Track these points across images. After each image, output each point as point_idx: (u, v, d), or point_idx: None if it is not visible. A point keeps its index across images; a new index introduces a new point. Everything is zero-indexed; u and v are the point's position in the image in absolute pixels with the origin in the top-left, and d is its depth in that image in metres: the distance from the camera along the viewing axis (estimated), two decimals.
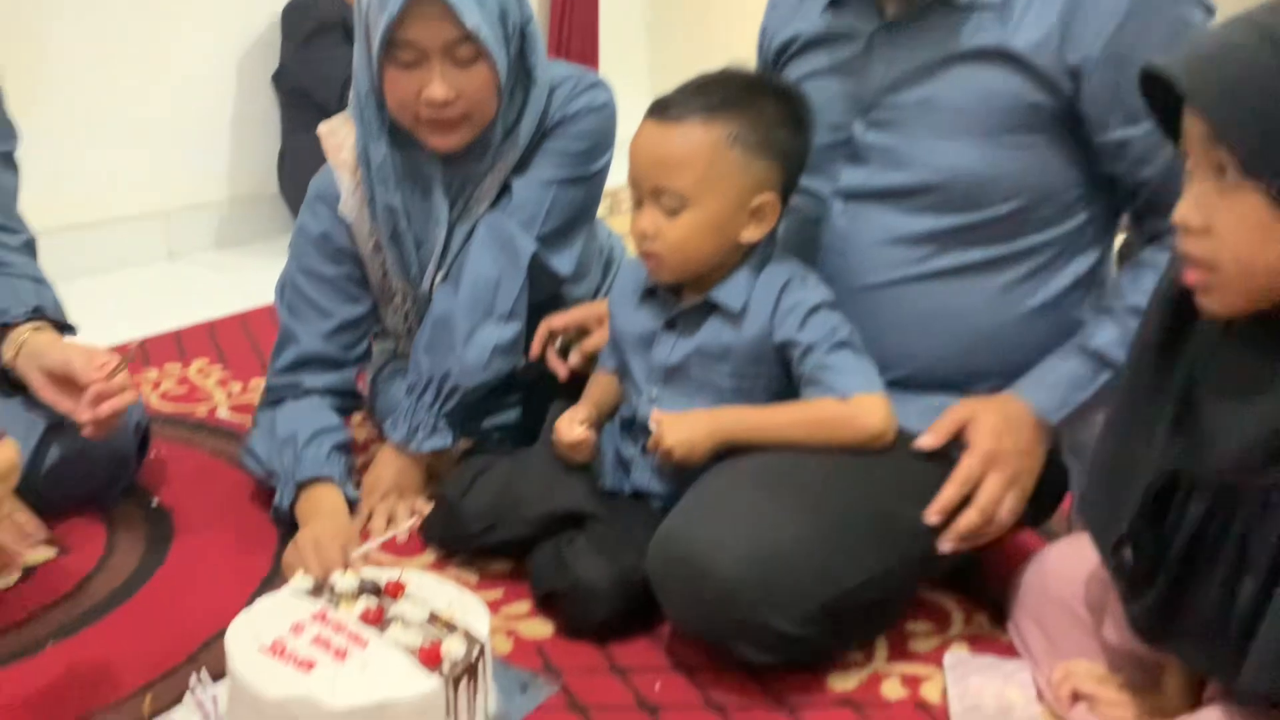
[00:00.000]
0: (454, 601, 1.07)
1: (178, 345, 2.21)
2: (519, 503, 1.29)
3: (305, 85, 2.86)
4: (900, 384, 1.22)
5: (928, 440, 1.16)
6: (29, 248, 1.52)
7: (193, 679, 1.03)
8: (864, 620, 1.16)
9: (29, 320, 1.38)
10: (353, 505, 1.41)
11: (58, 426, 1.39)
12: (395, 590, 1.07)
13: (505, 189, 1.47)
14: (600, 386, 1.39)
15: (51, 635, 1.20)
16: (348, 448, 1.46)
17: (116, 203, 2.80)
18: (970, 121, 1.18)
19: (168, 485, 1.55)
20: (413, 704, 0.96)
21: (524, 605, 1.28)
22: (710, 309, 1.25)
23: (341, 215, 1.47)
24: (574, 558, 1.20)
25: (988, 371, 1.23)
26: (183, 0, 2.87)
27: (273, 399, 1.48)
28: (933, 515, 1.13)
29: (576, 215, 1.50)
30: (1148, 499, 0.96)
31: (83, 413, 1.29)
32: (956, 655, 1.18)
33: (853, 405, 1.17)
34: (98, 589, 1.30)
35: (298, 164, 2.80)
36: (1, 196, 1.50)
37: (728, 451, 1.20)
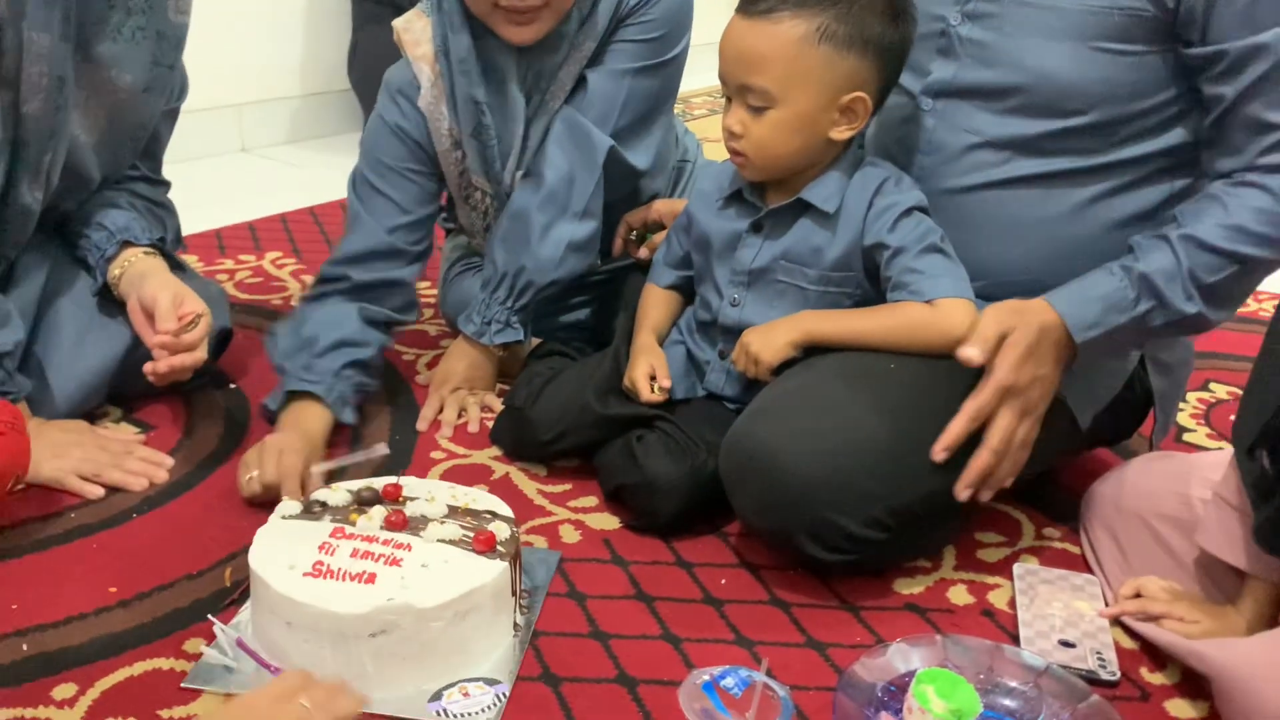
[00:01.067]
0: (457, 491, 1.11)
1: (253, 236, 2.23)
2: (588, 410, 1.29)
3: None
4: (985, 294, 1.19)
5: (973, 354, 1.09)
6: (165, 188, 1.58)
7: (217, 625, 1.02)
8: (933, 526, 1.15)
9: (142, 246, 1.41)
10: (346, 428, 1.40)
11: None
12: (395, 493, 1.09)
13: (581, 81, 1.44)
14: (658, 306, 1.38)
15: (134, 508, 1.25)
16: (366, 366, 1.42)
17: (190, 95, 2.81)
18: (1065, 23, 1.13)
19: (245, 370, 1.58)
20: (490, 588, 0.99)
21: (592, 499, 1.29)
22: (800, 210, 1.23)
23: (421, 109, 1.45)
24: (644, 454, 1.21)
25: (1058, 281, 1.18)
26: None
27: (318, 293, 1.46)
28: (939, 452, 1.08)
29: (653, 105, 1.47)
30: (1269, 409, 0.94)
31: (152, 354, 1.30)
32: (1026, 566, 1.17)
33: (937, 309, 1.15)
34: (179, 466, 1.33)
35: (368, 59, 2.78)
36: (155, 146, 1.54)
37: (809, 352, 1.19)
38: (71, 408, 1.37)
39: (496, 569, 1.00)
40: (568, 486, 1.32)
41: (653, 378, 1.28)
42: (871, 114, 1.21)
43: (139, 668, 0.99)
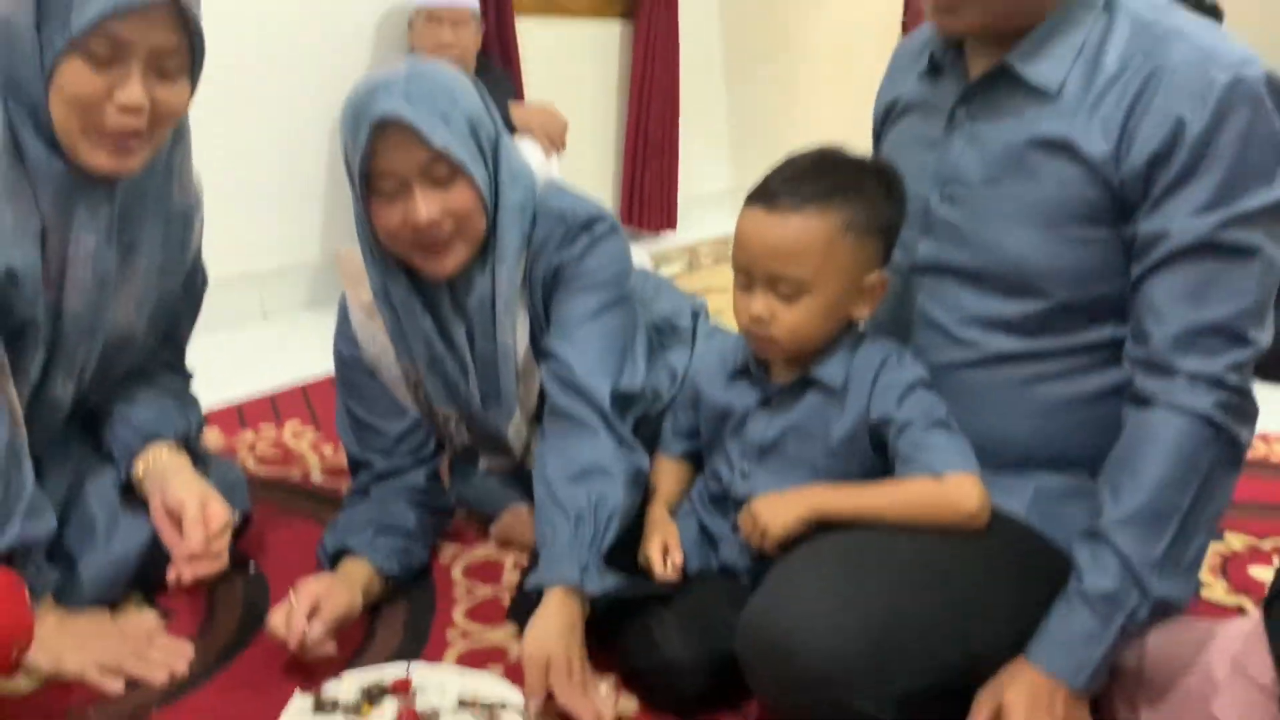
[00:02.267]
0: (465, 680, 1.12)
1: (273, 407, 2.28)
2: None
3: None
4: (985, 463, 1.21)
5: None
6: (189, 379, 1.62)
7: None
8: (954, 704, 1.14)
9: (167, 441, 1.43)
10: (388, 579, 1.43)
11: None
12: (405, 687, 1.09)
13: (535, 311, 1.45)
14: (670, 476, 1.41)
15: (154, 702, 1.25)
16: (405, 533, 1.46)
17: (213, 265, 2.90)
18: (1029, 209, 1.16)
19: (264, 551, 1.60)
20: None
21: (608, 679, 1.29)
22: (806, 386, 1.26)
23: (361, 353, 1.50)
24: (662, 635, 1.21)
25: (1068, 452, 1.21)
26: (278, 68, 2.99)
27: (355, 492, 1.53)
28: None
29: (626, 337, 1.45)
30: None
31: (176, 563, 1.31)
32: None
33: (947, 484, 1.17)
34: (198, 655, 1.34)
35: None
36: (177, 334, 1.58)
37: (819, 527, 1.20)
38: (98, 597, 1.39)
39: None
40: None
41: (666, 553, 1.29)
42: (885, 290, 1.25)
43: None
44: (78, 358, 1.36)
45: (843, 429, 1.24)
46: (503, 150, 1.40)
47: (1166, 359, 1.10)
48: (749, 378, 1.31)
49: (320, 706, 1.07)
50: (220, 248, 2.91)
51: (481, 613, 1.45)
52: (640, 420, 1.48)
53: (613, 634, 1.29)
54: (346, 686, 1.09)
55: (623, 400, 1.43)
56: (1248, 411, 1.12)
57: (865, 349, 1.26)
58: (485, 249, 1.40)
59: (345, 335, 1.52)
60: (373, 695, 1.08)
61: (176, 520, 1.33)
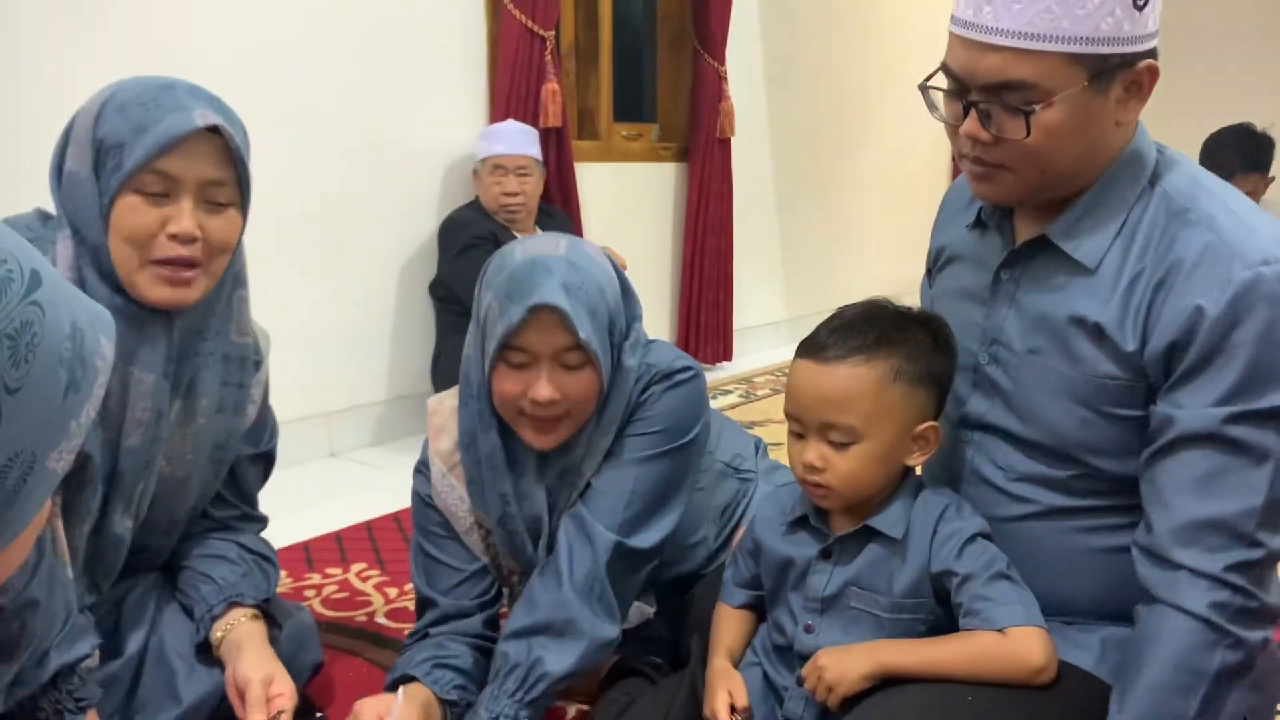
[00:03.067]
0: None
1: (338, 547, 2.33)
2: None
3: (458, 293, 3.06)
4: (1050, 616, 1.21)
5: None
6: (262, 525, 1.65)
7: None
8: None
9: (248, 607, 1.46)
10: (450, 705, 1.42)
11: None
12: None
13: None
14: (731, 627, 1.41)
15: None
16: (462, 670, 1.46)
17: (283, 405, 2.99)
18: (1068, 385, 1.19)
19: (331, 695, 1.62)
20: None
21: None
22: (868, 536, 1.27)
23: (437, 501, 1.53)
24: None
25: (1133, 601, 1.19)
26: (351, 220, 3.14)
27: (413, 635, 1.54)
28: None
29: (664, 490, 1.47)
30: None
31: None
32: None
33: (1011, 639, 1.17)
34: None
35: (450, 365, 2.97)
36: (245, 486, 1.60)
37: (885, 682, 1.20)
38: None
39: None
40: None
41: (733, 707, 1.29)
42: (940, 439, 1.27)
43: None
44: (135, 494, 1.39)
45: (905, 580, 1.25)
46: (628, 340, 1.46)
47: (1166, 551, 1.10)
48: (808, 528, 1.33)
49: None
50: (290, 389, 3.04)
51: None
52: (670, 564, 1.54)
53: None
54: None
55: (627, 555, 1.45)
56: (1259, 614, 1.08)
57: (925, 499, 1.27)
58: (587, 423, 1.46)
59: (423, 476, 1.56)
60: None
61: (243, 694, 1.35)
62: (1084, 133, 1.12)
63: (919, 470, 1.33)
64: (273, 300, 3.02)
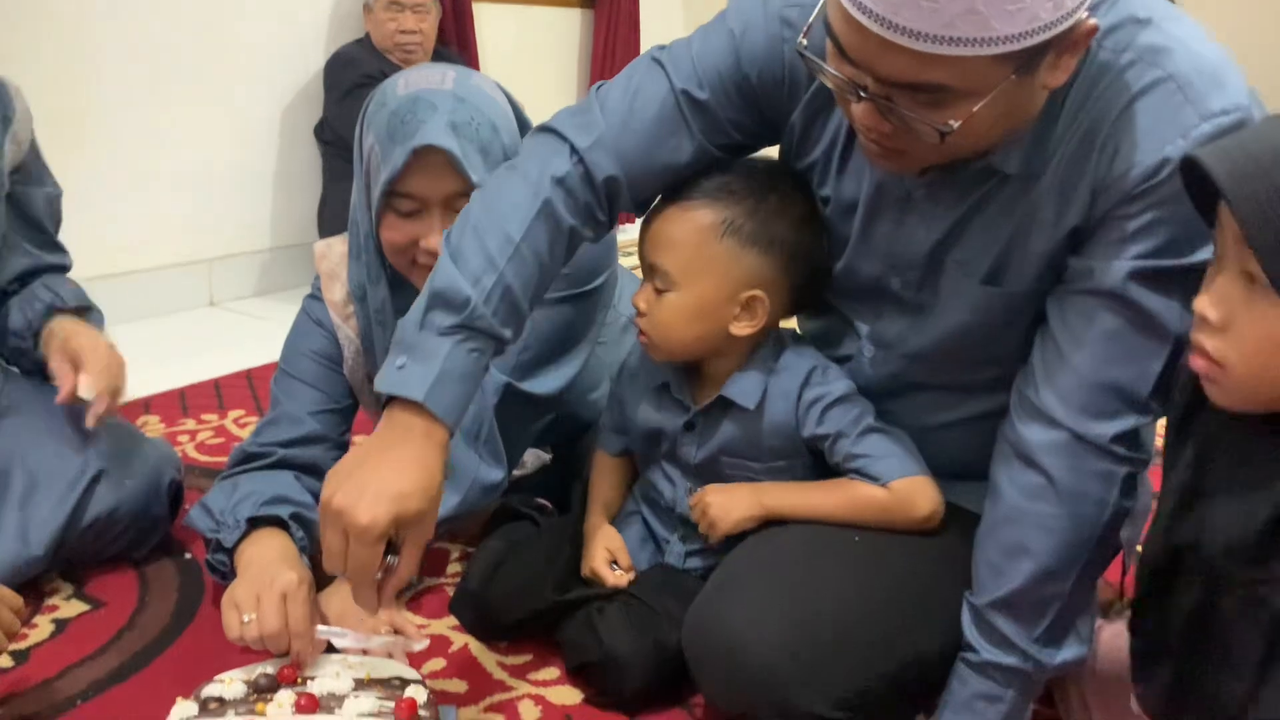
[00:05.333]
0: (357, 662, 1.09)
1: (216, 395, 2.23)
2: (546, 588, 1.26)
3: (346, 136, 2.90)
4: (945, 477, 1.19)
5: None
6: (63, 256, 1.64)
7: None
8: (902, 703, 1.13)
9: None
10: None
11: (100, 477, 1.41)
12: (291, 676, 1.06)
13: None
14: (608, 480, 1.37)
15: (81, 694, 1.21)
16: (310, 524, 1.31)
17: (160, 251, 2.84)
18: (989, 270, 1.08)
19: (200, 539, 1.55)
20: None
21: (553, 671, 1.26)
22: (726, 406, 1.22)
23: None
24: (606, 629, 1.19)
25: None
26: (229, 53, 2.93)
27: (241, 470, 1.38)
28: None
29: (565, 338, 1.42)
30: (1145, 576, 0.95)
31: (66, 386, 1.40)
32: None
33: (895, 494, 1.15)
34: (130, 644, 1.30)
35: (337, 213, 2.83)
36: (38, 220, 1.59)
37: (769, 522, 1.19)
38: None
39: None
40: (528, 658, 1.29)
41: (614, 562, 1.27)
42: (772, 316, 1.20)
43: None
44: None
45: (769, 444, 1.22)
46: None
47: (1053, 411, 1.03)
48: (671, 398, 1.27)
49: (206, 709, 1.02)
50: (168, 233, 2.88)
51: (426, 602, 1.42)
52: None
53: (557, 629, 1.27)
54: (229, 686, 1.05)
55: (521, 400, 1.39)
56: (1137, 478, 1.06)
57: (785, 363, 1.21)
58: None
59: (318, 302, 1.45)
60: (261, 688, 1.04)
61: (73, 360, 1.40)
62: (1008, 117, 0.97)
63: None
64: (145, 136, 2.84)
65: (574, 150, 1.13)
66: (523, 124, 1.36)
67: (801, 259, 1.18)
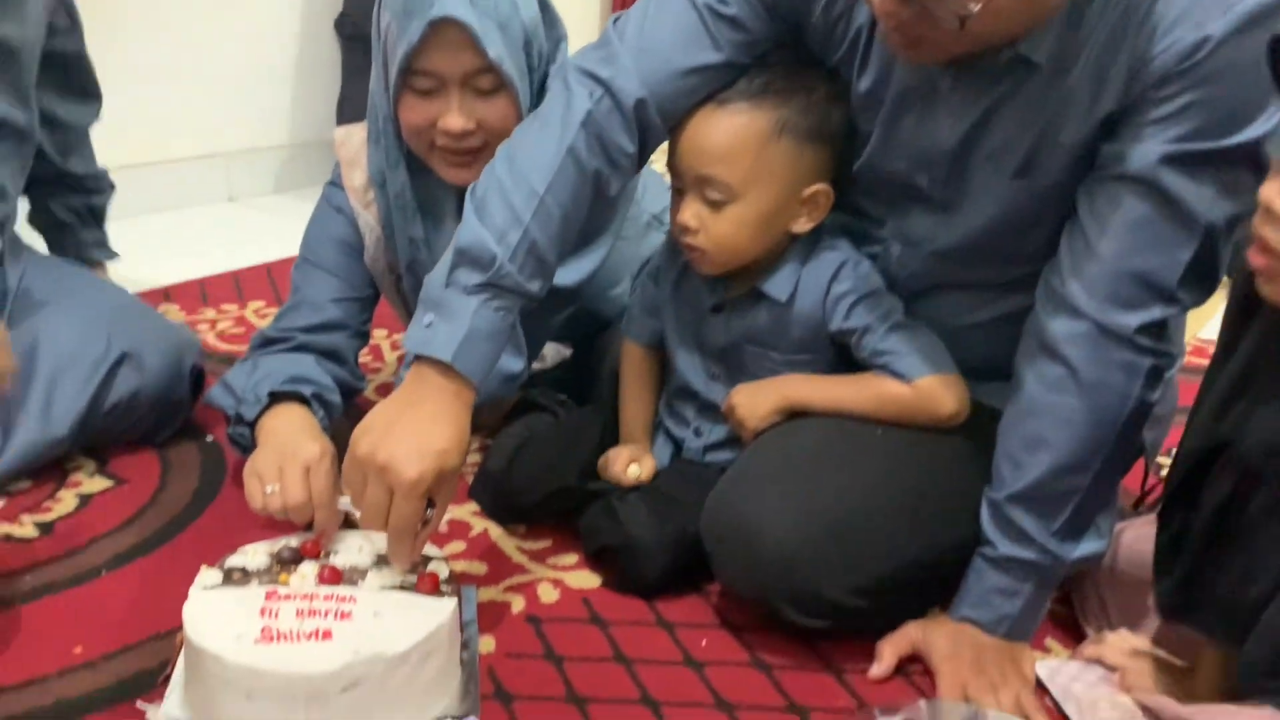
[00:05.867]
0: (375, 539, 1.08)
1: (236, 286, 2.22)
2: (567, 474, 1.27)
3: (366, 30, 2.84)
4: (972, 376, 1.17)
5: (877, 670, 1.08)
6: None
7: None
8: (919, 593, 1.14)
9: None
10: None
11: (123, 360, 1.41)
12: (314, 550, 1.07)
13: None
14: (641, 385, 1.34)
15: (105, 564, 1.22)
16: (330, 406, 1.34)
17: (179, 144, 2.82)
18: (1019, 163, 1.06)
19: (220, 423, 1.55)
20: (448, 624, 0.98)
21: (572, 556, 1.27)
22: (758, 296, 1.21)
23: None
24: (627, 514, 1.19)
25: None
26: None
27: (260, 345, 1.40)
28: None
29: (587, 228, 1.34)
30: (1179, 468, 0.94)
31: None
32: (1047, 665, 1.09)
33: (919, 391, 1.14)
34: (153, 520, 1.31)
35: (357, 110, 2.78)
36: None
37: (796, 415, 1.18)
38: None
39: (449, 607, 1.00)
40: (548, 543, 1.30)
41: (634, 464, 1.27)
42: (833, 204, 1.17)
43: None
44: None
45: (795, 336, 1.20)
46: (553, 67, 1.33)
47: (1078, 301, 1.01)
48: (702, 281, 1.25)
49: (230, 579, 1.03)
50: (186, 127, 2.85)
51: None
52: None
53: (576, 515, 1.27)
54: (252, 557, 1.06)
55: (550, 291, 1.33)
56: (1162, 372, 1.04)
57: (818, 256, 1.19)
58: None
59: (338, 189, 1.43)
60: (284, 560, 1.05)
61: None
62: (1033, 1, 0.92)
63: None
64: (166, 28, 2.79)
65: (598, 81, 1.11)
66: (544, 4, 1.32)
67: (847, 138, 1.16)
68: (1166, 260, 0.98)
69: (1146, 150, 0.96)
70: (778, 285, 1.19)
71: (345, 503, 1.13)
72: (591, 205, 1.14)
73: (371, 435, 1.00)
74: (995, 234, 1.09)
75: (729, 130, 1.12)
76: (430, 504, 1.04)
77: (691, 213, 1.15)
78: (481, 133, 1.28)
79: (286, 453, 1.17)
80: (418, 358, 1.05)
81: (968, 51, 0.99)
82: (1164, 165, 0.96)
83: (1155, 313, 1.00)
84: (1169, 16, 0.94)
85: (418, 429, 1.00)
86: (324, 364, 1.39)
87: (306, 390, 1.31)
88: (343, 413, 1.40)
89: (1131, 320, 1.00)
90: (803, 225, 1.17)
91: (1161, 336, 1.02)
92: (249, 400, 1.29)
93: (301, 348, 1.39)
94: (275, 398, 1.29)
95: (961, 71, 1.03)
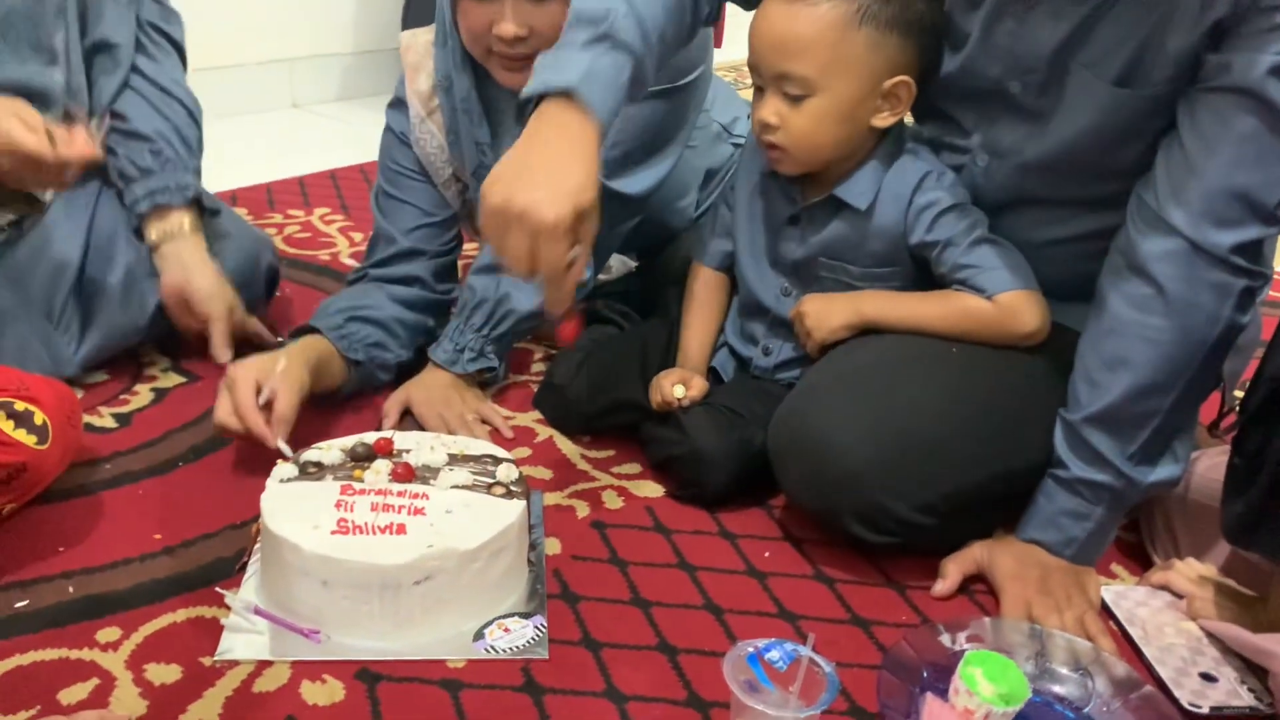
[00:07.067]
0: (446, 440, 1.11)
1: (302, 192, 2.24)
2: (631, 389, 1.28)
3: None
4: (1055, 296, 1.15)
5: (941, 588, 1.08)
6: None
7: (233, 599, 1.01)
8: (985, 512, 1.13)
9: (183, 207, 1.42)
10: (352, 363, 1.35)
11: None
12: (387, 447, 1.08)
13: None
14: (709, 302, 1.33)
15: (182, 456, 1.25)
16: (379, 324, 1.38)
17: (243, 49, 2.82)
18: (1120, 71, 1.02)
19: (293, 323, 1.58)
20: (517, 524, 1.01)
21: (635, 466, 1.28)
22: (836, 206, 1.19)
23: (412, 143, 1.43)
24: (692, 425, 1.19)
25: None
26: None
27: (347, 283, 1.48)
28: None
29: (656, 134, 1.36)
30: (1256, 396, 0.92)
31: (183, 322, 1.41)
32: (1114, 589, 1.09)
33: (1000, 307, 1.12)
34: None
35: (422, 16, 2.76)
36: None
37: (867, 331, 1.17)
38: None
39: (519, 507, 1.02)
40: (611, 452, 1.31)
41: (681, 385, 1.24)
42: (915, 97, 1.14)
43: (182, 614, 0.99)
44: (56, 43, 1.33)
45: (875, 248, 1.18)
46: None
47: (1172, 216, 0.98)
48: (779, 189, 1.24)
49: (305, 473, 1.05)
50: (248, 30, 2.85)
51: (509, 399, 1.44)
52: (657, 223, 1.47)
53: (640, 428, 1.28)
54: (327, 453, 1.08)
55: (608, 199, 1.32)
56: (1254, 294, 1.01)
57: (900, 164, 1.17)
58: None
59: (400, 113, 1.45)
60: (360, 457, 1.07)
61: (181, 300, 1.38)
62: None
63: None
64: None
65: None
66: None
67: (935, 32, 1.12)
68: (1269, 177, 0.95)
69: (1255, 61, 0.93)
70: (857, 192, 1.17)
71: (283, 446, 1.14)
72: (680, 22, 1.12)
73: (502, 183, 0.97)
74: (1087, 147, 1.06)
75: (807, 21, 1.09)
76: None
77: (771, 110, 1.13)
78: (535, 39, 1.26)
79: (241, 368, 1.22)
80: (537, 103, 1.02)
81: None
82: (1272, 76, 0.92)
83: (1252, 232, 0.97)
84: None
85: (549, 169, 0.97)
86: (395, 291, 1.42)
87: (336, 321, 1.35)
88: (423, 328, 1.45)
89: (1227, 239, 0.97)
90: (885, 119, 1.14)
91: (1256, 257, 0.99)
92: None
93: (374, 280, 1.43)
94: (296, 334, 1.36)
95: None
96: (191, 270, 1.39)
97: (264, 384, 1.19)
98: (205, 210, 1.45)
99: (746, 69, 1.19)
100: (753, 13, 1.15)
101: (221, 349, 1.38)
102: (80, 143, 1.20)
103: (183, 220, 1.41)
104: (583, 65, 1.01)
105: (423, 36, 1.41)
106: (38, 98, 1.29)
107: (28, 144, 1.16)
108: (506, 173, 0.98)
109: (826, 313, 1.18)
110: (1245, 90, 0.94)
